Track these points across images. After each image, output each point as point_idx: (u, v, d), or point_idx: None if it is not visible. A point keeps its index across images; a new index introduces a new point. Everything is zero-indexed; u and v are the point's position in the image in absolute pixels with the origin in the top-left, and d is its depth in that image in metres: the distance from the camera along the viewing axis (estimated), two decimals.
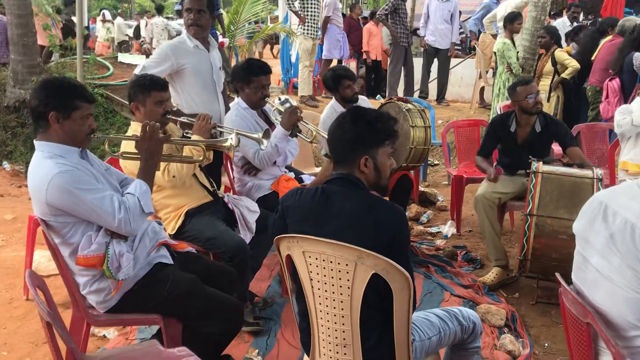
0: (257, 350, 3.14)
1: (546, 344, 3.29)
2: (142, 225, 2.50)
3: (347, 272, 1.98)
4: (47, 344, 1.85)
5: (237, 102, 3.81)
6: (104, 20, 14.38)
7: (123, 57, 9.49)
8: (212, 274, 2.75)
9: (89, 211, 2.31)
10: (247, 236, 3.35)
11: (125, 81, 8.31)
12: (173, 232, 3.19)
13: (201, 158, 2.99)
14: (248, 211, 3.44)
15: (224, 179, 4.45)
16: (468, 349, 2.36)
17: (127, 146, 2.95)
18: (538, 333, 3.41)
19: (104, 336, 3.25)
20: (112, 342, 3.18)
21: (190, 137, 3.21)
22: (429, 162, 7.26)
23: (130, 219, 2.36)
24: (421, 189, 6.06)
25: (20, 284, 3.76)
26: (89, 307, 2.49)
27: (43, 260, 3.96)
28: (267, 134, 3.38)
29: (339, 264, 1.98)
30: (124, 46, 14.93)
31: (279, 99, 3.87)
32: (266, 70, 3.75)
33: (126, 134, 3.21)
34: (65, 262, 2.40)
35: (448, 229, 5.10)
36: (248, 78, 3.68)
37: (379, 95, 10.25)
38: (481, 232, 4.28)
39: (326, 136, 3.63)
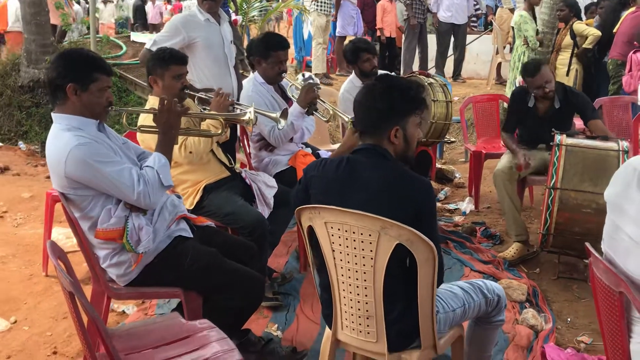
0: (276, 325, 3.13)
1: (569, 319, 3.24)
2: (161, 198, 2.48)
3: (370, 243, 1.94)
4: (70, 315, 1.84)
5: (254, 76, 3.76)
6: (105, 1, 14.05)
7: (136, 36, 9.44)
8: (231, 248, 2.72)
9: (107, 184, 2.29)
10: (265, 211, 3.32)
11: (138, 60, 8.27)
12: (191, 208, 3.17)
13: (219, 132, 2.96)
14: (266, 186, 3.41)
15: (239, 156, 4.42)
16: (492, 322, 2.33)
17: (145, 120, 2.92)
18: (560, 308, 3.36)
19: (123, 312, 3.25)
20: (132, 318, 3.18)
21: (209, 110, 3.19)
22: (445, 139, 7.17)
23: (150, 191, 2.34)
24: (438, 166, 5.99)
25: (39, 260, 3.77)
26: (109, 280, 2.48)
27: (61, 237, 3.98)
28: (284, 114, 3.34)
29: (361, 234, 1.95)
30: (136, 25, 14.81)
31: (303, 75, 3.80)
32: (284, 45, 3.69)
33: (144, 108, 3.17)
34: (85, 235, 2.38)
35: (466, 205, 5.04)
36: (266, 52, 3.63)
37: (393, 73, 10.13)
38: (501, 207, 4.22)
39: (344, 116, 3.60)
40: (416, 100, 2.11)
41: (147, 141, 2.99)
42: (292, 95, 3.72)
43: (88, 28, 8.43)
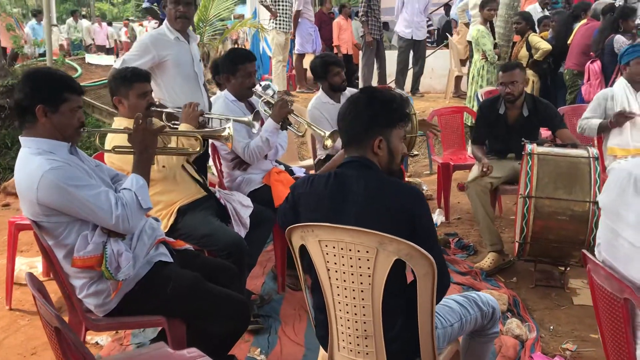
0: (259, 349, 3.03)
1: (551, 327, 3.24)
2: (140, 222, 2.36)
3: (368, 260, 1.88)
4: (38, 351, 1.71)
5: (224, 94, 3.70)
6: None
7: (91, 58, 9.22)
8: (211, 271, 2.62)
9: (84, 209, 2.17)
10: (241, 232, 3.23)
11: (95, 82, 8.08)
12: (165, 231, 3.04)
13: (197, 150, 2.87)
14: (241, 206, 3.32)
15: (209, 176, 4.31)
16: (487, 334, 2.30)
17: (114, 140, 2.80)
18: (542, 316, 3.37)
19: (97, 343, 3.09)
20: (107, 349, 3.02)
21: (178, 128, 3.10)
22: (408, 153, 7.20)
23: (129, 215, 2.22)
24: (406, 179, 6.00)
25: (1, 293, 3.56)
26: (86, 311, 2.34)
27: (24, 267, 3.78)
28: (257, 116, 3.29)
29: (358, 251, 1.88)
30: (87, 47, 14.52)
31: (260, 84, 3.77)
32: (251, 57, 3.67)
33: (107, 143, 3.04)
34: (60, 264, 2.25)
35: (437, 217, 5.04)
36: (233, 67, 3.59)
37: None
38: (475, 218, 4.23)
39: (319, 130, 3.56)
40: (399, 112, 2.08)
41: (118, 163, 2.87)
42: (265, 111, 3.66)
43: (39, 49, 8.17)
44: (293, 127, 3.64)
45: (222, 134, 2.83)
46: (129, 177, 2.38)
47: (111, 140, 2.90)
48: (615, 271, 1.77)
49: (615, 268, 1.78)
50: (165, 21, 3.78)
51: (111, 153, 2.77)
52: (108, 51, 16.00)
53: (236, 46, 12.32)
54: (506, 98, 4.12)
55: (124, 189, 2.31)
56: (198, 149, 2.88)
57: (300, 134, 3.73)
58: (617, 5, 6.20)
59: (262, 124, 3.61)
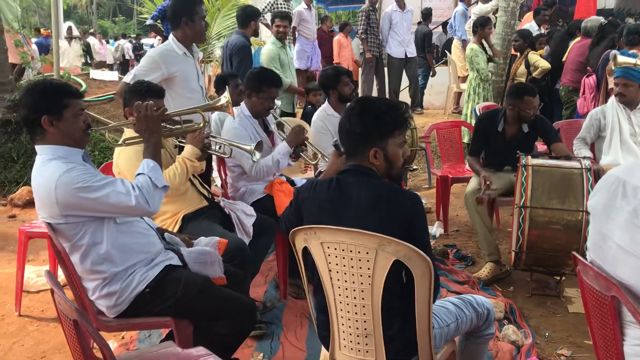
0: (262, 354, 3.11)
1: (547, 333, 3.33)
2: (160, 201, 2.43)
3: (368, 261, 1.97)
4: (70, 348, 1.80)
5: (241, 109, 3.80)
6: (70, 37, 12.60)
7: (95, 74, 9.37)
8: None
9: (103, 200, 2.25)
10: (244, 240, 3.32)
11: (99, 97, 8.22)
12: None
13: (202, 125, 2.94)
14: (245, 215, 3.42)
15: (213, 188, 4.41)
16: (482, 335, 2.38)
17: (126, 134, 2.96)
18: (537, 324, 3.45)
19: None
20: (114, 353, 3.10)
21: (184, 143, 3.22)
22: (407, 166, 7.30)
23: (147, 196, 2.32)
24: None
25: (10, 300, 3.65)
26: (97, 313, 2.43)
27: (32, 276, 3.87)
28: (259, 146, 3.38)
29: (359, 252, 1.98)
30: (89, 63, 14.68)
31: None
32: (278, 83, 3.81)
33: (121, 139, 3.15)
34: (73, 267, 2.34)
35: (436, 229, 5.14)
36: (259, 87, 3.71)
37: None
38: (473, 228, 4.32)
39: (326, 156, 3.66)
40: (392, 123, 2.14)
41: (124, 173, 2.97)
42: (280, 133, 3.77)
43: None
44: (305, 154, 3.74)
45: (221, 103, 2.95)
46: (141, 163, 2.47)
47: (119, 152, 3.04)
48: (603, 271, 1.86)
49: (603, 269, 1.87)
50: (172, 36, 3.85)
51: (122, 147, 2.92)
52: (110, 67, 16.24)
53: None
54: (530, 119, 4.17)
55: (138, 174, 2.41)
56: (202, 125, 2.95)
57: (313, 162, 3.84)
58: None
59: (272, 143, 3.72)
